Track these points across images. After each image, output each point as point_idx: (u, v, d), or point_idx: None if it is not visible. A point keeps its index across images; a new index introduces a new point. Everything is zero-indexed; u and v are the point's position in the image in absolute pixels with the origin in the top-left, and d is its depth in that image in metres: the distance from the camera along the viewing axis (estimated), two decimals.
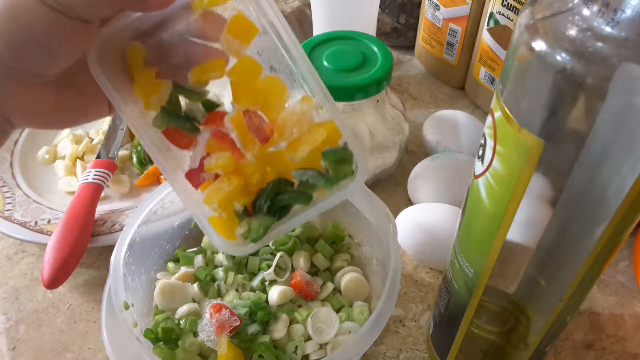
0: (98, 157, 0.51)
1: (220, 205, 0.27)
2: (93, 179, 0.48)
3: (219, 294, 0.40)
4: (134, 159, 0.53)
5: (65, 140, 0.55)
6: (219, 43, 0.26)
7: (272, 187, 0.28)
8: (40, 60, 0.24)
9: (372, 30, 0.58)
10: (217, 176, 0.28)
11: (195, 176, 0.28)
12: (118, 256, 0.37)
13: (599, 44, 0.17)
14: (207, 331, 0.35)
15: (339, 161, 0.28)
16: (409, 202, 0.50)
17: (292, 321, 0.38)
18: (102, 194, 0.49)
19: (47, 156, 0.54)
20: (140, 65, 0.26)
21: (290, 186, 0.29)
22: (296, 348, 0.36)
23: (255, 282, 0.40)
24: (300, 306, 0.39)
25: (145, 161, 0.53)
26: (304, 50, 0.45)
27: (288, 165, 0.29)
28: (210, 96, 0.28)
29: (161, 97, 0.26)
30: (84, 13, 0.22)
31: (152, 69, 0.26)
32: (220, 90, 0.28)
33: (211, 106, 0.28)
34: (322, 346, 0.37)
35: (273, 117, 0.28)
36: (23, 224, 0.45)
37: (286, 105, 0.28)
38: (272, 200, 0.28)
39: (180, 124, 0.27)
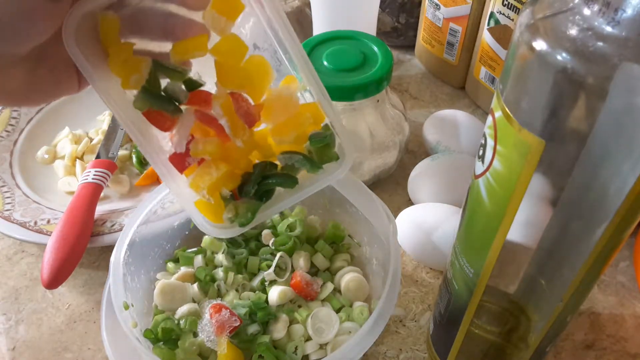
0: (98, 157, 0.51)
1: (209, 191, 0.27)
2: (93, 179, 0.48)
3: (219, 294, 0.40)
4: (134, 159, 0.53)
5: (64, 140, 0.55)
6: (200, 16, 0.25)
7: (259, 171, 0.28)
8: (9, 40, 0.23)
9: (372, 30, 0.58)
10: (202, 160, 0.27)
11: (180, 160, 0.27)
12: (118, 256, 0.37)
13: (600, 43, 0.17)
14: (207, 331, 0.35)
15: (325, 146, 0.28)
16: (409, 202, 0.50)
17: (292, 321, 0.38)
18: (102, 194, 0.49)
19: (46, 156, 0.54)
20: (115, 39, 0.25)
21: (275, 168, 0.29)
22: (296, 348, 0.36)
23: (255, 282, 0.40)
24: (300, 306, 0.39)
25: (145, 161, 0.53)
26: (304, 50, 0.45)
27: (272, 147, 0.28)
28: (191, 74, 0.27)
29: (141, 76, 0.25)
30: None
31: (128, 44, 0.25)
32: (200, 68, 0.27)
33: (193, 85, 0.27)
34: (322, 346, 0.37)
35: (258, 98, 0.27)
36: (22, 224, 0.45)
37: (270, 85, 0.27)
38: (258, 184, 0.28)
39: (162, 106, 0.26)
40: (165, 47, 0.26)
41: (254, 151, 0.28)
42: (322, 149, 0.28)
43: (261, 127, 0.28)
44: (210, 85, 0.27)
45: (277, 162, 0.29)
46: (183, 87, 0.26)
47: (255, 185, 0.28)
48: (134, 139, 0.26)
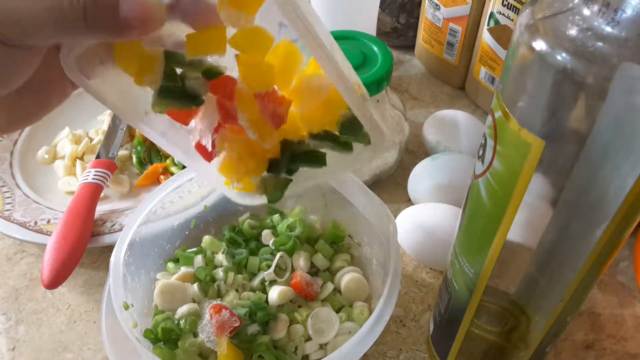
0: (98, 157, 0.51)
1: (238, 180, 0.27)
2: (93, 179, 0.48)
3: (219, 294, 0.40)
4: (134, 159, 0.53)
5: (64, 140, 0.55)
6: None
7: (288, 154, 0.27)
8: None
9: (372, 30, 0.58)
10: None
11: (207, 150, 0.26)
12: (118, 256, 0.37)
13: (600, 43, 0.17)
14: (207, 332, 0.35)
15: (358, 132, 0.27)
16: (409, 202, 0.50)
17: (292, 321, 0.38)
18: (102, 194, 0.49)
19: (46, 156, 0.54)
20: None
21: (303, 145, 0.27)
22: (296, 348, 0.36)
23: (255, 282, 0.40)
24: (300, 306, 0.39)
25: (145, 161, 0.53)
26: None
27: (301, 129, 0.27)
28: (210, 61, 0.24)
29: (155, 75, 0.23)
30: (27, 42, 0.21)
31: (136, 42, 0.23)
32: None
33: (213, 75, 0.24)
34: (322, 346, 0.37)
35: (286, 86, 0.25)
36: (23, 224, 0.45)
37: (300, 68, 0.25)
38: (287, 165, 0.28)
39: (183, 105, 0.24)
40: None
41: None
42: (356, 136, 0.27)
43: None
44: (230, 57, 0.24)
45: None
46: (202, 77, 0.24)
47: (284, 167, 0.27)
48: (158, 143, 0.25)
